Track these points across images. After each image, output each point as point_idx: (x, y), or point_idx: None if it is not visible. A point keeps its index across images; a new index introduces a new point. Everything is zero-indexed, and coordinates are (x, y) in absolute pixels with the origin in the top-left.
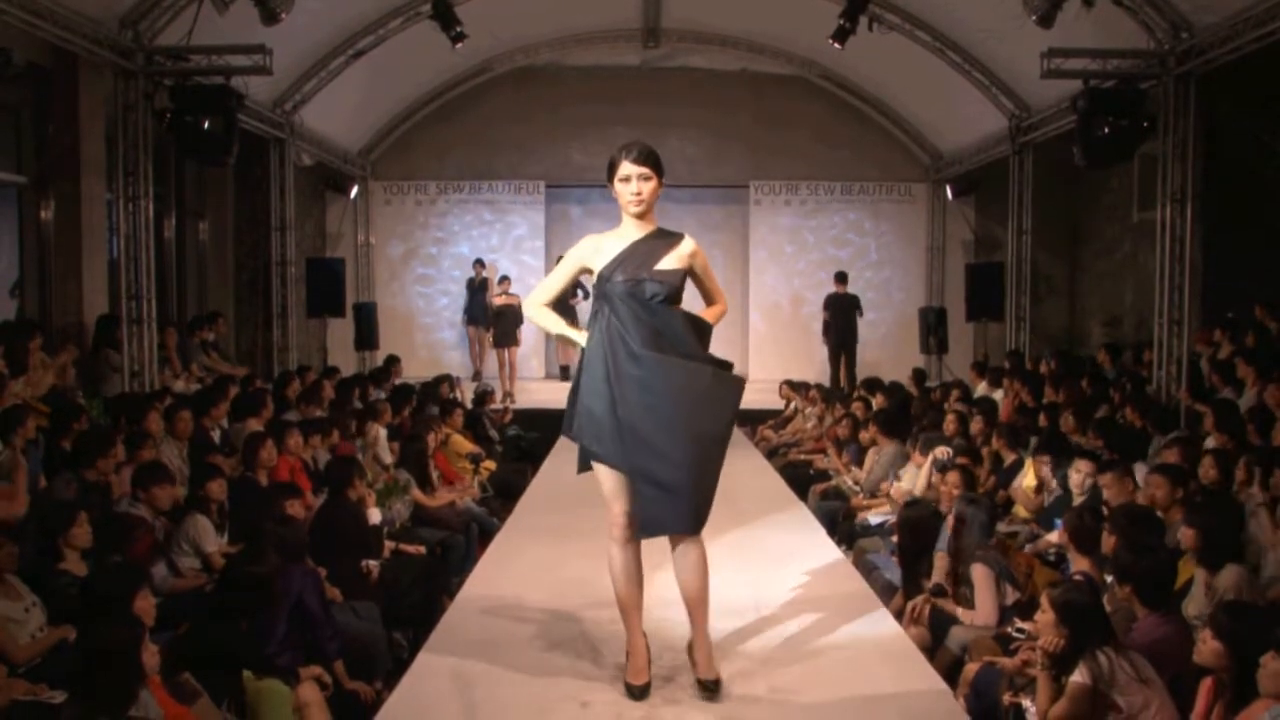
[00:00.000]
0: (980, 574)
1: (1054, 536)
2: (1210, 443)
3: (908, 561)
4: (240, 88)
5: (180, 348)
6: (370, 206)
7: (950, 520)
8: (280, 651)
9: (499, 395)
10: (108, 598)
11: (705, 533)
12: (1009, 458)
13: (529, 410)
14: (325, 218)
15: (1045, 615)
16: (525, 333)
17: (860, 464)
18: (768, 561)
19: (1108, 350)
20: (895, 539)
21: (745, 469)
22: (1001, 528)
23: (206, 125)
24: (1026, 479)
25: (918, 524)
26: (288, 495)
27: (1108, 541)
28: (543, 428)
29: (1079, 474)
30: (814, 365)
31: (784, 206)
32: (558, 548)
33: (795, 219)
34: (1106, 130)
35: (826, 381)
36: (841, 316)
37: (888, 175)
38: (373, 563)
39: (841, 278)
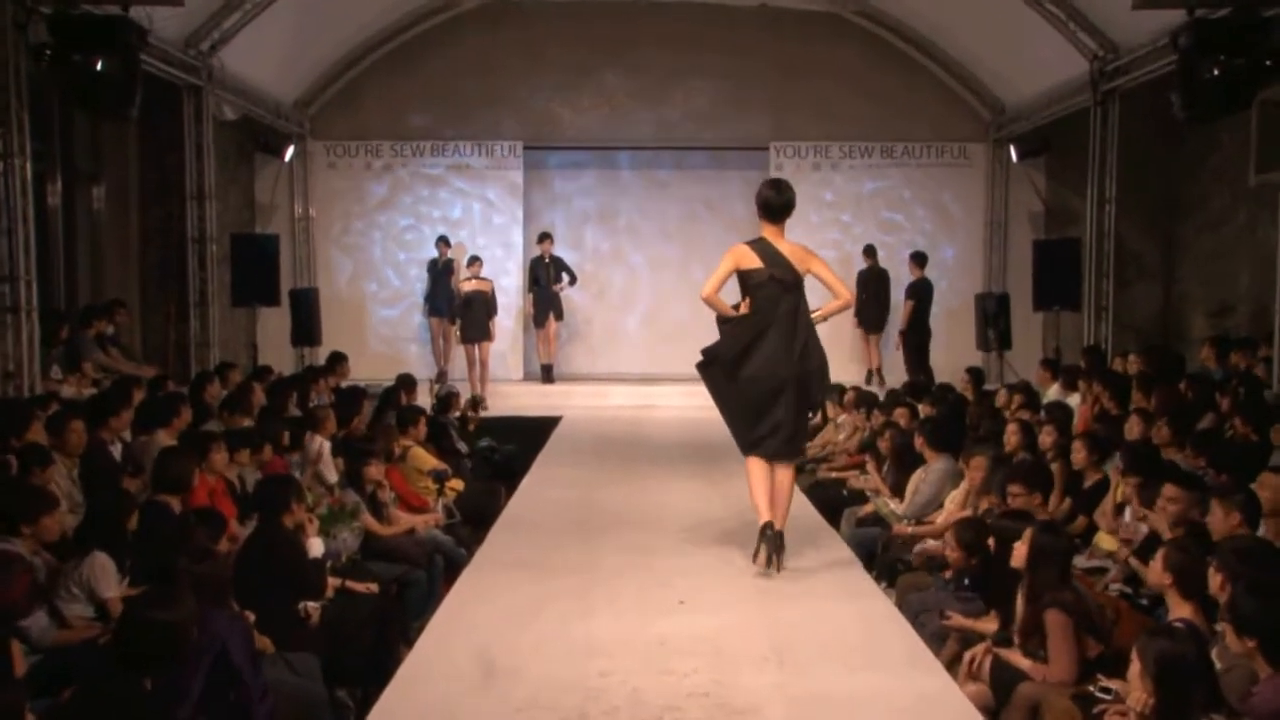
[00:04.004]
0: (1055, 621)
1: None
2: None
3: (996, 589)
4: (143, 21)
5: (70, 343)
6: (310, 172)
7: (1020, 553)
8: (195, 716)
9: (464, 400)
10: None
11: (718, 568)
12: (1089, 478)
13: (504, 418)
14: (254, 185)
15: (1136, 671)
16: (500, 325)
17: (899, 484)
18: (791, 601)
19: (1214, 345)
20: (947, 575)
21: None
22: (1081, 563)
23: (100, 66)
24: (1111, 503)
25: (1012, 538)
26: (208, 524)
27: (1214, 581)
28: (520, 439)
29: (1171, 504)
30: (850, 363)
31: (812, 172)
32: (538, 586)
33: (825, 188)
34: (1216, 72)
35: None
36: (868, 293)
37: (938, 134)
38: (313, 605)
39: (870, 252)
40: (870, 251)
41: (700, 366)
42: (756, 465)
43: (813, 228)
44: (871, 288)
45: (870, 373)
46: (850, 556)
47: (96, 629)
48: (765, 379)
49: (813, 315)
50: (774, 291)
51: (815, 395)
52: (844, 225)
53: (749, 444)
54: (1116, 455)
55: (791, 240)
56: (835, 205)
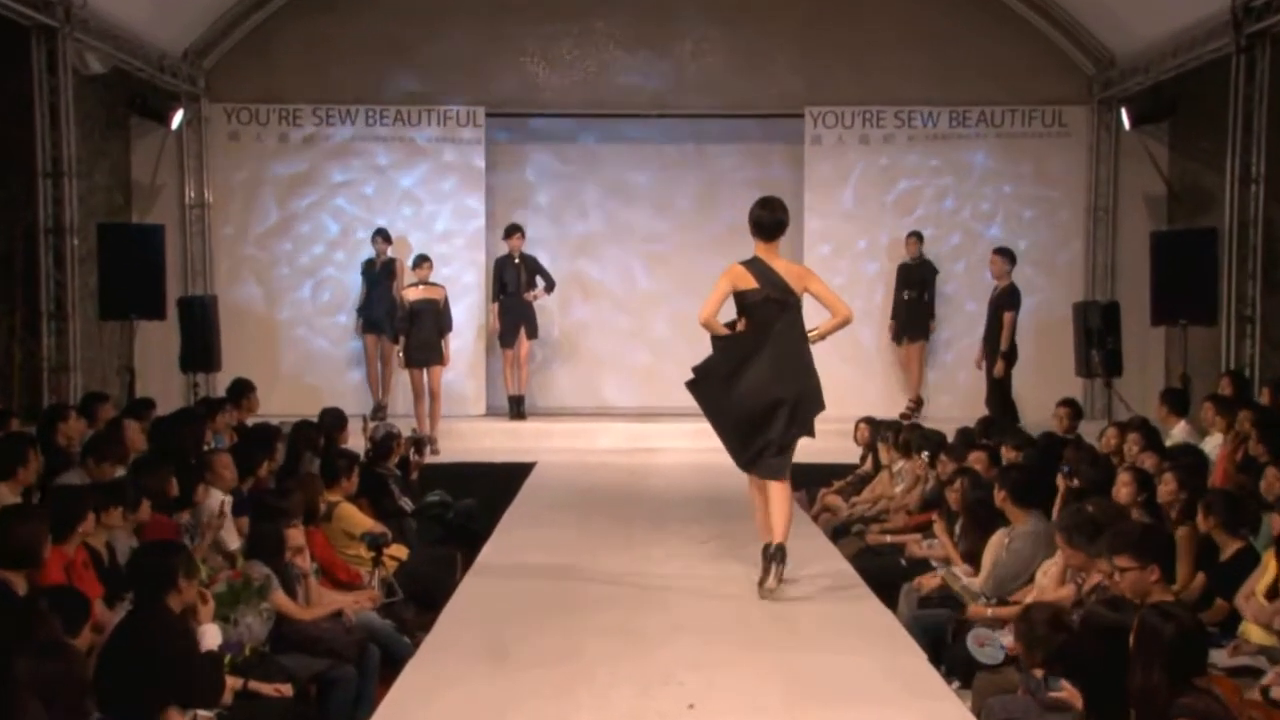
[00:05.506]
0: None
1: None
2: None
3: (1095, 696)
4: None
5: None
6: (206, 144)
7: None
8: None
9: (407, 441)
10: None
11: (739, 659)
12: (1229, 546)
13: (460, 465)
14: (130, 160)
15: None
16: (455, 344)
17: (975, 551)
18: (835, 703)
19: None
20: (1039, 673)
21: (800, 555)
22: (1224, 660)
23: None
24: (1263, 579)
25: (1112, 632)
26: (63, 608)
27: None
28: (481, 492)
29: None
30: (904, 394)
31: (858, 146)
32: (503, 682)
33: (875, 163)
34: None
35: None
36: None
37: (1024, 94)
38: (205, 714)
39: (918, 237)
40: (918, 237)
41: (691, 384)
42: (753, 484)
43: (858, 216)
44: (917, 283)
45: (912, 404)
46: (911, 645)
47: None
48: (759, 396)
49: (810, 334)
50: (770, 311)
51: (809, 415)
52: (899, 211)
53: (744, 463)
54: (1267, 518)
55: (787, 258)
56: (887, 186)
